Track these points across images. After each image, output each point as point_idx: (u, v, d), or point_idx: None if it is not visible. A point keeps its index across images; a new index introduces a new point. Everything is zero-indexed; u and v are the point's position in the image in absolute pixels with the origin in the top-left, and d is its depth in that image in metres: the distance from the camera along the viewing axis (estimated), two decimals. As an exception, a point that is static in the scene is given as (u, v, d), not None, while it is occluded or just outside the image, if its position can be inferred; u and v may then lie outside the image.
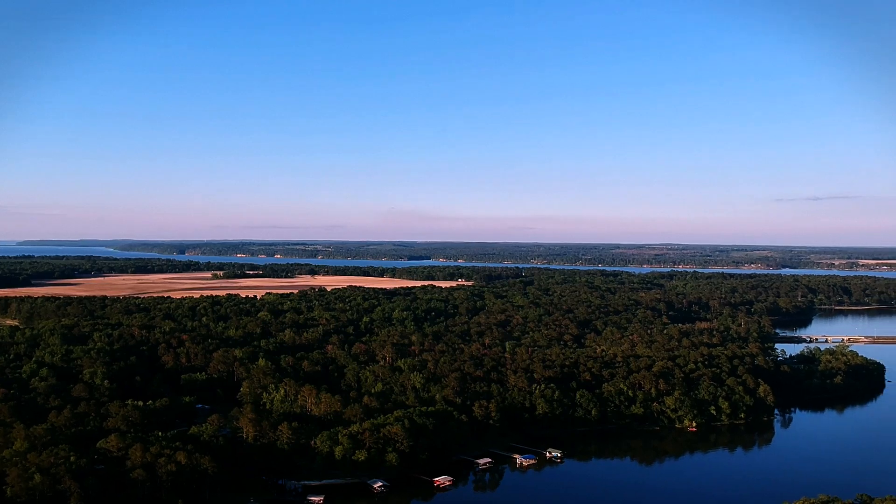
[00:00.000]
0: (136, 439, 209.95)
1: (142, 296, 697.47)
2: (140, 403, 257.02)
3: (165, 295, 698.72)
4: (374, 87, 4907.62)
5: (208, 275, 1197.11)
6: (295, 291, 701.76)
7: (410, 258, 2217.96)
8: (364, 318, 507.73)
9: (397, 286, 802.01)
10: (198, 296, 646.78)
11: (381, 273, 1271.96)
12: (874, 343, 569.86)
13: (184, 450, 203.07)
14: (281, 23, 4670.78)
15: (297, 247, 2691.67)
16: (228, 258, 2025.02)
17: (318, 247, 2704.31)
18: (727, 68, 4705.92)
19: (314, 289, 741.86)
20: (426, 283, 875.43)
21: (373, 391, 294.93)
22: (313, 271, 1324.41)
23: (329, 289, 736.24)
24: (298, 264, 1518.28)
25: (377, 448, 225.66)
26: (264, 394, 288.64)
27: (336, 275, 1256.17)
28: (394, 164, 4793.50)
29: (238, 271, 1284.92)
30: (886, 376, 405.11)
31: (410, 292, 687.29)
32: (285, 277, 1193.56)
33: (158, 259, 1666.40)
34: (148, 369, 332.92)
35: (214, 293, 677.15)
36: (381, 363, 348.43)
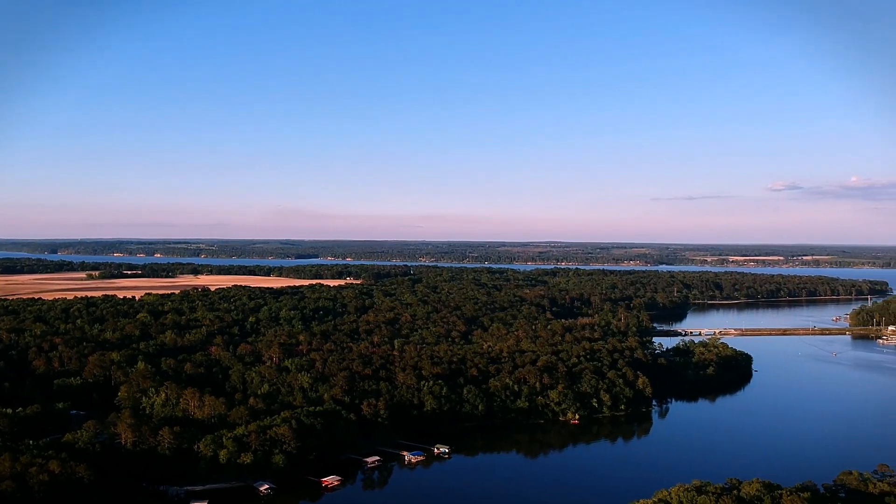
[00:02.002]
0: (4, 448, 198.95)
1: (9, 297, 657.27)
2: (9, 411, 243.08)
3: (36, 297, 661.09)
4: (254, 81, 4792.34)
5: (83, 275, 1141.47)
6: (176, 291, 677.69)
7: (298, 257, 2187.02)
8: (250, 318, 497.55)
9: (284, 285, 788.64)
10: (71, 297, 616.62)
11: (267, 272, 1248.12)
12: (743, 335, 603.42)
13: (57, 458, 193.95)
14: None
15: (179, 245, 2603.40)
16: (104, 258, 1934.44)
17: (202, 245, 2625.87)
18: (607, 74, 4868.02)
19: (197, 289, 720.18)
20: (314, 281, 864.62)
21: (259, 392, 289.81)
22: (196, 270, 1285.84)
23: (213, 288, 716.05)
24: (180, 263, 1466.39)
25: (264, 450, 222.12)
26: (144, 398, 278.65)
27: (220, 274, 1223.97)
28: (280, 160, 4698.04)
29: (115, 271, 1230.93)
30: (754, 366, 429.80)
31: (298, 291, 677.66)
32: (166, 277, 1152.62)
33: (28, 259, 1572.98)
34: (17, 375, 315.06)
35: (90, 294, 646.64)
36: (268, 364, 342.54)
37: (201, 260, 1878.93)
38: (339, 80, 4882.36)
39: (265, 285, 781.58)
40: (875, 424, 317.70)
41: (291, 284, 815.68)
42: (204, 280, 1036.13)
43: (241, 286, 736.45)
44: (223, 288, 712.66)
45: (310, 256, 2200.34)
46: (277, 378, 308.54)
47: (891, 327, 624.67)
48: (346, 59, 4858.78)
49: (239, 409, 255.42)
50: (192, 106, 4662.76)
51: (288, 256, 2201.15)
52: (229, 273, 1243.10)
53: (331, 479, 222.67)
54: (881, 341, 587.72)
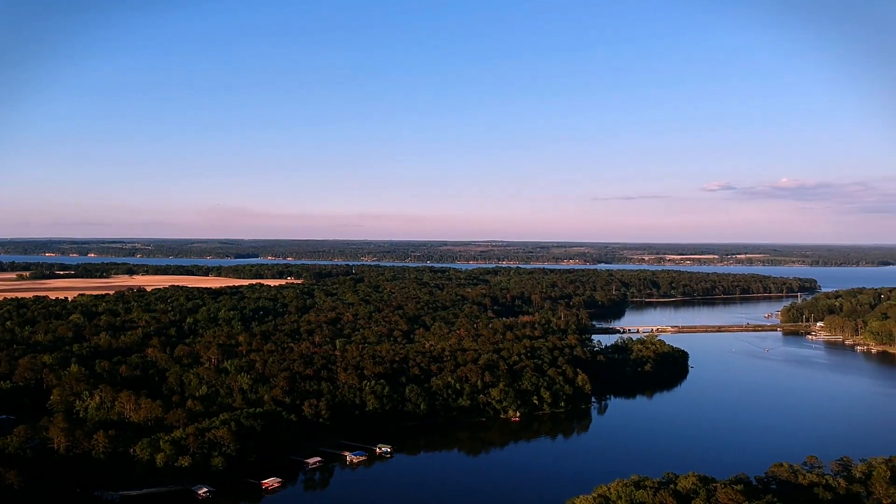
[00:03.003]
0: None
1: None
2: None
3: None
4: (188, 77, 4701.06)
5: (12, 275, 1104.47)
6: (111, 292, 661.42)
7: (237, 256, 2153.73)
8: (188, 319, 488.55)
9: (223, 285, 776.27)
10: (0, 298, 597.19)
11: (205, 272, 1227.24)
12: (679, 332, 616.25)
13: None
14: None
15: (114, 245, 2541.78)
16: (35, 257, 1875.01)
17: (137, 245, 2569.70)
18: (548, 77, 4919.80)
19: (133, 289, 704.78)
20: (254, 281, 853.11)
21: (197, 394, 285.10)
22: (131, 271, 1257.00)
23: (149, 289, 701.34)
24: (115, 263, 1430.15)
25: (202, 453, 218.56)
26: (77, 401, 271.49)
27: (157, 274, 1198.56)
28: (218, 158, 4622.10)
29: (46, 271, 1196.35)
30: (690, 362, 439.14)
31: (237, 291, 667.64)
32: (100, 278, 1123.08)
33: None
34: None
35: (20, 295, 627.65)
36: (207, 365, 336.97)
37: (137, 260, 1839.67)
38: (277, 79, 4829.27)
39: (204, 285, 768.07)
40: (805, 417, 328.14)
41: (231, 284, 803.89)
42: (140, 280, 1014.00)
43: (178, 286, 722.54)
44: (160, 288, 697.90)
45: (250, 256, 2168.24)
46: (216, 380, 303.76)
47: (819, 323, 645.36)
48: (283, 56, 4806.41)
49: (176, 411, 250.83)
50: (125, 101, 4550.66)
51: (227, 256, 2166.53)
52: (166, 273, 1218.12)
53: (271, 481, 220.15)
54: (810, 337, 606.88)
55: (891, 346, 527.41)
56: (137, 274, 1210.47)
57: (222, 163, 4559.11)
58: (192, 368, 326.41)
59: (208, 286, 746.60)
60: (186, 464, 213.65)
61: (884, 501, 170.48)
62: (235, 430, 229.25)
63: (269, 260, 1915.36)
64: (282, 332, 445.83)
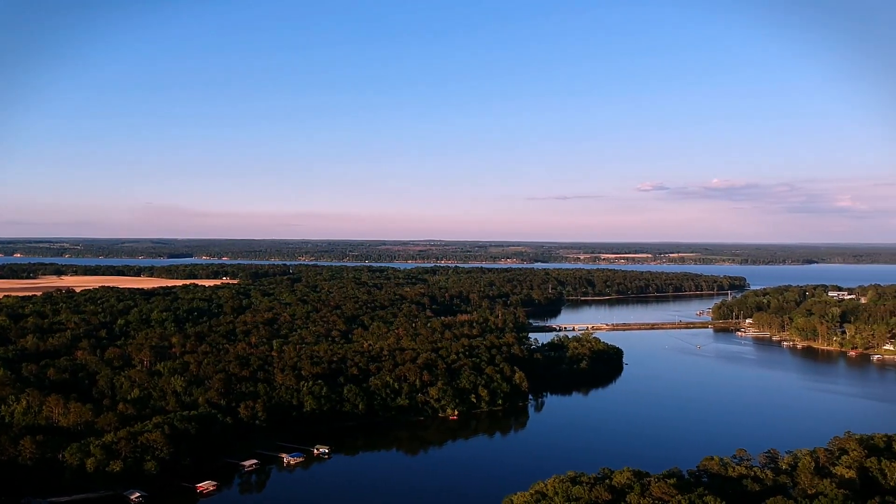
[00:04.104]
0: None
1: None
2: None
3: None
4: (120, 76, 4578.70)
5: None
6: (38, 293, 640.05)
7: (171, 256, 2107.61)
8: (119, 321, 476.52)
9: (156, 286, 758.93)
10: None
11: (137, 272, 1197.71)
12: (614, 330, 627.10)
13: None
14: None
15: (41, 244, 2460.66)
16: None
17: (66, 244, 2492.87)
18: (485, 76, 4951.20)
19: (61, 290, 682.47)
20: (188, 281, 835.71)
21: (129, 397, 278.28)
22: (60, 271, 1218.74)
23: (78, 289, 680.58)
24: (42, 263, 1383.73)
25: (134, 457, 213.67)
26: (3, 406, 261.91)
27: (87, 274, 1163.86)
28: (150, 156, 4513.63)
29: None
30: (624, 359, 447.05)
31: (171, 292, 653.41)
32: (27, 278, 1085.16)
33: None
34: None
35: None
36: (139, 367, 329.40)
37: (65, 260, 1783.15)
38: (210, 79, 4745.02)
39: (135, 286, 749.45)
40: (735, 411, 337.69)
41: (164, 285, 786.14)
42: (68, 281, 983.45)
43: (109, 287, 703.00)
44: (89, 289, 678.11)
45: (183, 256, 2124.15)
46: (149, 382, 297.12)
47: (748, 320, 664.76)
48: (218, 55, 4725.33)
49: (107, 415, 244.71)
50: (50, 94, 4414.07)
51: (160, 256, 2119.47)
52: (96, 273, 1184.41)
53: (206, 485, 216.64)
54: (740, 333, 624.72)
55: (815, 341, 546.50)
56: (66, 274, 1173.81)
57: (154, 161, 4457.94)
58: (123, 371, 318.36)
59: (140, 287, 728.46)
60: (118, 468, 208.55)
61: (808, 491, 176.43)
62: (169, 434, 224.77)
63: (204, 260, 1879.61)
64: (217, 333, 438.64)
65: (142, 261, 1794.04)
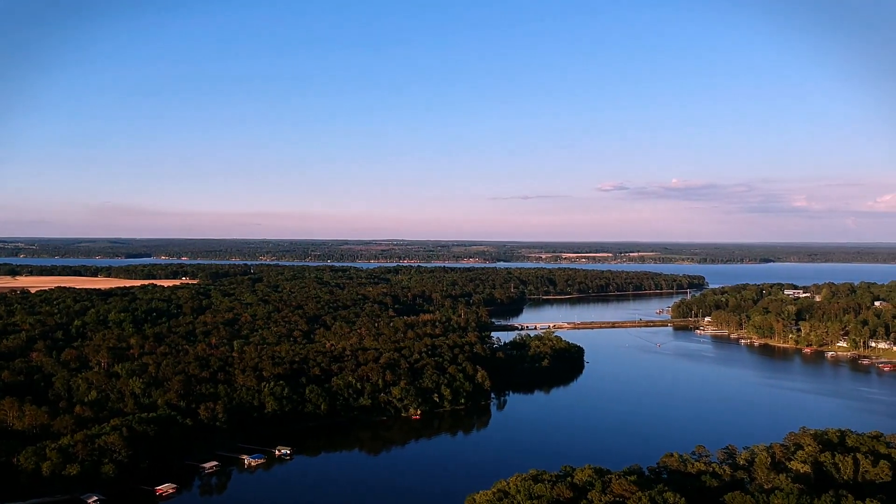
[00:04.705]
0: None
1: None
2: None
3: None
4: (76, 74, 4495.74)
5: None
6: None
7: (128, 256, 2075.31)
8: (75, 322, 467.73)
9: (114, 286, 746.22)
10: None
11: (94, 272, 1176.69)
12: (575, 328, 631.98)
13: None
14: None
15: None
16: None
17: (20, 244, 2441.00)
18: (449, 74, 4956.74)
19: (16, 291, 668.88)
20: (147, 282, 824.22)
21: (86, 400, 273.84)
22: (14, 272, 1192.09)
23: (33, 290, 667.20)
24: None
25: (92, 460, 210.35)
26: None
27: (42, 275, 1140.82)
28: (106, 155, 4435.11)
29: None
30: (586, 357, 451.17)
31: (129, 292, 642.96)
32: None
33: None
34: None
35: None
36: (96, 369, 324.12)
37: (20, 260, 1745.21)
38: (169, 72, 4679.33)
39: (92, 286, 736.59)
40: (694, 408, 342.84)
41: (122, 285, 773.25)
42: (23, 282, 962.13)
43: (65, 288, 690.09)
44: (45, 290, 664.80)
45: (142, 256, 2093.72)
46: (107, 384, 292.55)
47: (707, 318, 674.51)
48: (178, 56, 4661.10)
49: (64, 417, 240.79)
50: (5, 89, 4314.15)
51: (118, 256, 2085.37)
52: (52, 274, 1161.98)
53: (165, 487, 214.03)
54: (699, 331, 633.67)
55: (772, 339, 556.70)
56: (21, 275, 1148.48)
57: (111, 159, 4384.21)
58: (80, 373, 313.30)
59: (97, 287, 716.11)
60: (75, 472, 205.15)
61: (765, 486, 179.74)
62: (127, 436, 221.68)
63: (163, 260, 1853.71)
64: (176, 333, 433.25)
65: (99, 261, 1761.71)
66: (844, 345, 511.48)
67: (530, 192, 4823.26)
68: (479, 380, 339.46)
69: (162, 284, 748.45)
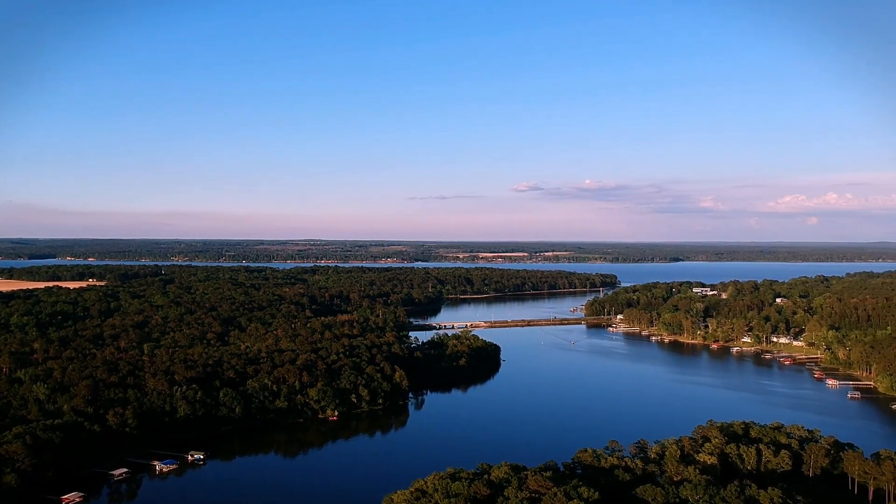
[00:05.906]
0: None
1: None
2: None
3: None
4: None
5: None
6: None
7: (31, 257, 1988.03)
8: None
9: (15, 288, 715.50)
10: None
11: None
12: (492, 327, 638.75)
13: None
14: None
15: None
16: None
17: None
18: (371, 78, 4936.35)
19: None
20: (51, 284, 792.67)
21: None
22: None
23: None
24: None
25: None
26: None
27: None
28: (7, 151, 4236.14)
29: None
30: (502, 356, 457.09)
31: (32, 295, 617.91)
32: None
33: None
34: None
35: None
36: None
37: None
38: (70, 72, 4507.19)
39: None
40: (608, 404, 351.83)
41: (24, 287, 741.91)
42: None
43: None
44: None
45: (46, 256, 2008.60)
46: (8, 391, 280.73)
47: (619, 316, 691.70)
48: (96, 49, 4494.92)
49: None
50: None
51: (20, 257, 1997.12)
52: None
53: (72, 496, 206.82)
54: (611, 329, 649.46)
55: (681, 335, 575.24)
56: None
57: (10, 157, 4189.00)
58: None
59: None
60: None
61: (674, 478, 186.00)
62: (31, 444, 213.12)
63: (68, 261, 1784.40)
64: (83, 337, 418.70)
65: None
66: (749, 340, 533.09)
67: (448, 192, 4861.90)
68: (397, 379, 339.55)
69: (67, 286, 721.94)
